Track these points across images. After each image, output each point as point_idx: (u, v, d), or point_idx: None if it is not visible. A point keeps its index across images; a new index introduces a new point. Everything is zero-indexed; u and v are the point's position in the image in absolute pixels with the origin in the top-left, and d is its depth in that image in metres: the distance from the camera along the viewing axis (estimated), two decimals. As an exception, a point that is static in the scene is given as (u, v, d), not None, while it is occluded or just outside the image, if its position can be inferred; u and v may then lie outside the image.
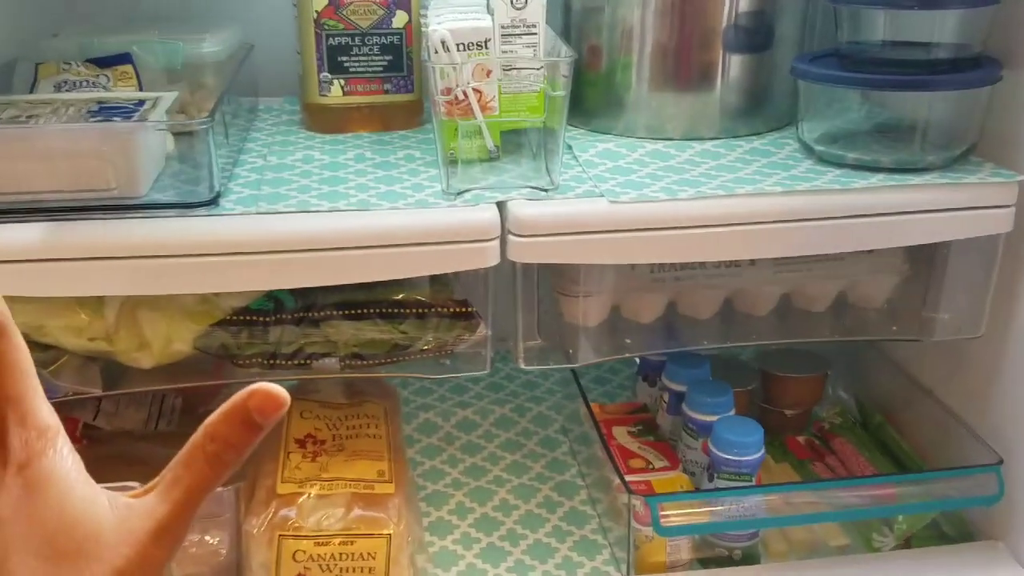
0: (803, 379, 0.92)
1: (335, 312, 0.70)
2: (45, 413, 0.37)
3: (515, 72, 0.73)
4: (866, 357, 0.96)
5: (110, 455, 0.81)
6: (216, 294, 0.68)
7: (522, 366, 0.74)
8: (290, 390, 0.92)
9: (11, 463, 0.35)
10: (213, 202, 0.66)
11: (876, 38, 0.74)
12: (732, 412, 0.81)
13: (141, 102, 0.68)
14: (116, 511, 0.36)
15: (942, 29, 0.73)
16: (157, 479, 0.37)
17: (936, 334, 0.77)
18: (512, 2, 0.72)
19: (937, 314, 0.78)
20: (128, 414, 0.87)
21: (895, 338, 0.81)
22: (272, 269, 0.64)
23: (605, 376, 1.07)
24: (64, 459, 0.36)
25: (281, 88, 0.95)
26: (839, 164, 0.73)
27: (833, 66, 0.75)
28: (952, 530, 0.81)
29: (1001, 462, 0.76)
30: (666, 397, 0.87)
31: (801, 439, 0.92)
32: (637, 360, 0.97)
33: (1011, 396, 0.77)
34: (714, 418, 0.79)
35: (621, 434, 0.87)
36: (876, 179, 0.70)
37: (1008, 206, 0.71)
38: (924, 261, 0.78)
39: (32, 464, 0.35)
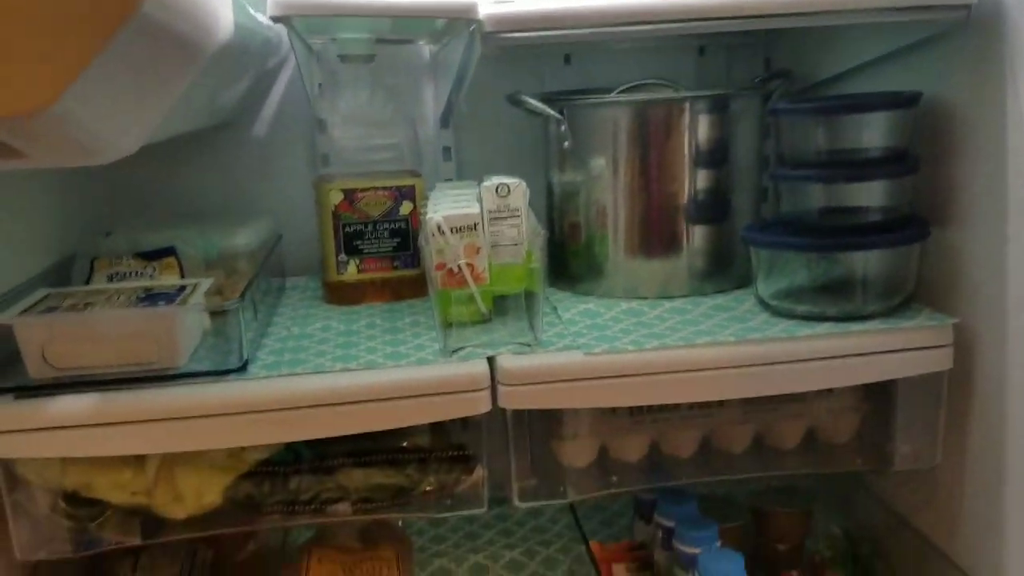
0: (789, 514, 0.98)
1: (347, 460, 0.78)
2: None
3: (501, 247, 0.84)
4: (850, 492, 1.02)
5: (145, 606, 0.88)
6: (243, 448, 0.78)
7: (516, 503, 0.81)
8: (310, 539, 1.00)
9: None
10: (242, 369, 0.77)
11: (814, 206, 0.86)
12: (717, 544, 0.87)
13: (182, 288, 0.80)
14: None
15: (871, 195, 0.84)
16: None
17: (895, 465, 0.84)
18: (497, 191, 0.85)
19: (896, 447, 0.85)
20: (162, 569, 0.95)
21: (858, 469, 0.87)
22: (293, 424, 0.74)
23: (607, 519, 1.13)
24: None
25: (305, 269, 1.08)
26: (790, 316, 0.83)
27: (778, 233, 0.85)
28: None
29: (971, 584, 0.81)
30: (660, 533, 0.93)
31: (794, 573, 0.96)
32: (633, 502, 1.03)
33: (975, 517, 0.82)
34: (699, 551, 0.85)
35: (620, 571, 0.93)
36: (822, 328, 0.79)
37: (945, 346, 0.79)
38: (882, 400, 0.86)
39: None
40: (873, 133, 0.83)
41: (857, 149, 0.84)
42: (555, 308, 0.91)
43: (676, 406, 0.86)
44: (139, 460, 0.75)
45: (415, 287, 0.99)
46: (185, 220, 0.98)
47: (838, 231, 0.82)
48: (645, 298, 0.92)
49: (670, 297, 0.92)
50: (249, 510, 0.79)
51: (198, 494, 0.77)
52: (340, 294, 0.98)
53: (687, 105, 0.90)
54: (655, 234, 0.93)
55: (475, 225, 0.83)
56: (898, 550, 0.93)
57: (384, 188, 0.96)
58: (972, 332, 0.80)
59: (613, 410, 0.85)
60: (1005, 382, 0.77)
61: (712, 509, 0.94)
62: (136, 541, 0.77)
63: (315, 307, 0.98)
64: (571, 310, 0.90)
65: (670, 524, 0.92)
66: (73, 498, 0.75)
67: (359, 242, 0.96)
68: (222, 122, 1.04)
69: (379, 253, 0.97)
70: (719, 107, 0.90)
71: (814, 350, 0.77)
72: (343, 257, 0.97)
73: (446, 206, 0.86)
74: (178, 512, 0.77)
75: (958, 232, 0.82)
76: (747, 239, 0.85)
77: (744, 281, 0.94)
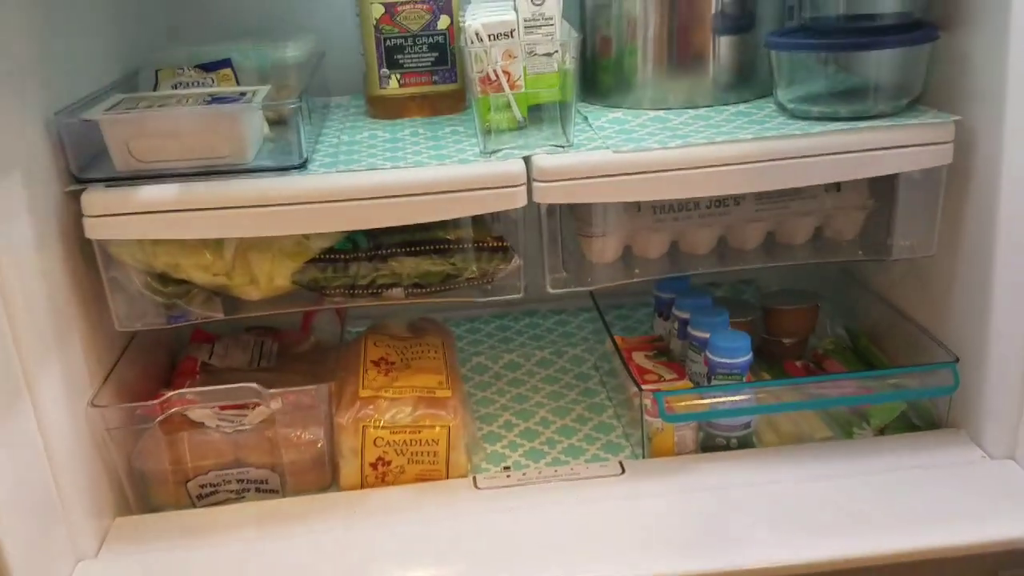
0: (796, 310, 1.07)
1: (399, 250, 0.88)
2: None
3: (536, 57, 0.90)
4: (852, 291, 1.11)
5: (222, 385, 1.00)
6: (307, 237, 0.87)
7: (549, 290, 0.91)
8: (365, 329, 1.10)
9: None
10: (302, 166, 0.85)
11: (832, 13, 0.90)
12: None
13: (243, 93, 0.87)
14: None
15: (885, 2, 0.88)
16: None
17: (893, 254, 0.92)
18: (532, 0, 0.90)
19: (895, 240, 0.93)
20: (235, 355, 1.07)
21: (860, 259, 0.96)
22: (349, 214, 0.82)
23: (630, 326, 1.24)
24: None
25: (347, 88, 1.14)
26: (806, 118, 0.89)
27: (798, 38, 0.90)
28: (921, 422, 0.95)
29: (957, 360, 0.90)
30: (676, 325, 1.03)
31: (798, 363, 1.07)
32: (654, 302, 1.13)
33: (964, 305, 0.91)
34: (710, 334, 0.95)
35: (639, 357, 1.03)
36: (834, 126, 0.86)
37: (947, 142, 0.86)
38: (886, 196, 0.93)
39: None
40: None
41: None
42: (586, 118, 0.97)
43: (695, 205, 0.94)
44: (218, 245, 0.85)
45: (453, 102, 1.05)
46: (235, 36, 1.04)
47: (854, 34, 0.87)
48: (671, 108, 0.98)
49: (695, 107, 0.98)
50: (315, 292, 0.89)
51: (270, 277, 0.87)
52: (383, 108, 1.05)
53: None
54: (683, 45, 0.98)
55: (511, 32, 0.89)
56: (894, 340, 1.03)
57: (423, 1, 1.01)
58: (972, 131, 0.86)
59: (638, 209, 0.93)
60: (999, 178, 0.84)
61: (725, 306, 1.03)
62: (219, 316, 0.87)
63: (360, 121, 1.05)
64: (601, 119, 0.96)
65: (685, 316, 1.01)
66: (163, 278, 0.85)
67: (400, 56, 1.02)
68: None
69: (419, 67, 1.03)
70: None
71: (825, 145, 0.84)
72: (385, 71, 1.03)
73: (483, 15, 0.91)
74: (253, 293, 0.88)
75: (964, 37, 0.87)
76: (769, 44, 0.91)
77: (766, 92, 0.99)
